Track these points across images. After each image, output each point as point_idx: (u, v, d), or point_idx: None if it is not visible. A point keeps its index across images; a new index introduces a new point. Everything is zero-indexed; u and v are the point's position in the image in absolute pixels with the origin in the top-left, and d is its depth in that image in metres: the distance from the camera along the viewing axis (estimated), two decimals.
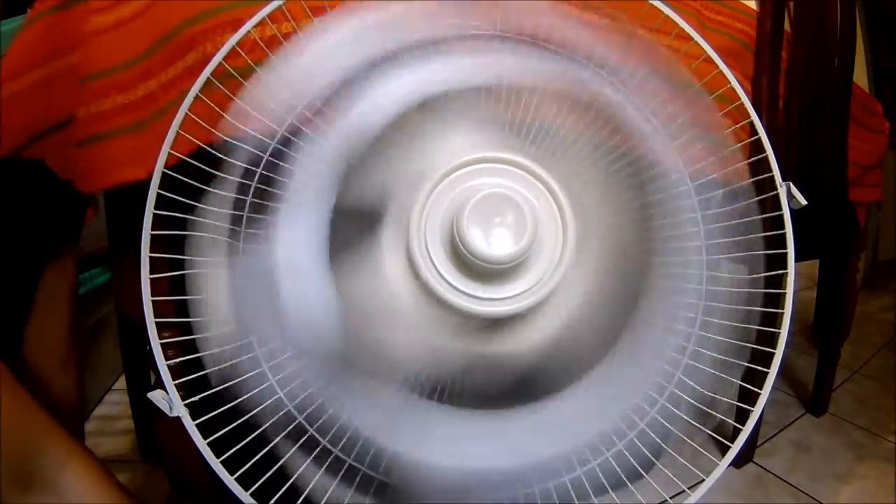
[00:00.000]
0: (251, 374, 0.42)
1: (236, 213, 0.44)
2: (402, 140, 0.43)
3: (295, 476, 0.42)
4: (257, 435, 0.42)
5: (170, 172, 0.43)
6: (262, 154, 0.44)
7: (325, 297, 0.40)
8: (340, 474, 0.43)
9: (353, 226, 0.43)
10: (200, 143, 0.43)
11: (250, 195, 0.44)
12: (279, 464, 0.42)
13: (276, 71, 0.42)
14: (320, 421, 0.43)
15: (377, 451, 0.42)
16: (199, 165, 0.43)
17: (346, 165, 0.41)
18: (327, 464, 0.43)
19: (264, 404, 0.42)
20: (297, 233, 0.40)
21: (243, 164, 0.44)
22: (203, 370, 0.43)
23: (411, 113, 0.41)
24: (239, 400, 0.42)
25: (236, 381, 0.42)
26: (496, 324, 0.44)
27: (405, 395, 0.42)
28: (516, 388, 0.43)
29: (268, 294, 0.40)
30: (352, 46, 0.41)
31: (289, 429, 0.42)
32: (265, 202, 0.44)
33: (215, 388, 0.42)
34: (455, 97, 0.42)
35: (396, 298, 0.43)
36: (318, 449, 0.43)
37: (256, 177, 0.44)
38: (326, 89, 0.41)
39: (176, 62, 0.52)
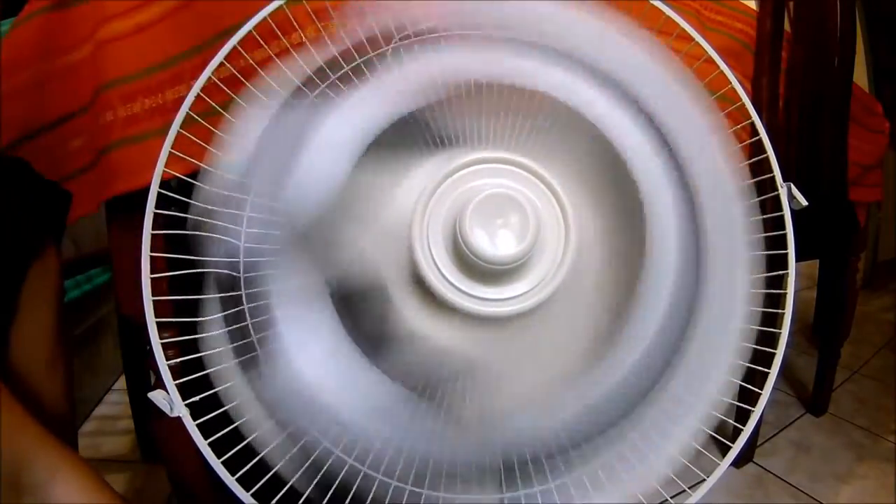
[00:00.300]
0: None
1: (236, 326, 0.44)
2: (367, 197, 0.43)
3: (295, 476, 0.42)
4: (269, 446, 0.41)
5: (170, 172, 0.43)
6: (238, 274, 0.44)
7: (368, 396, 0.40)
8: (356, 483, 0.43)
9: (363, 305, 0.43)
10: (201, 165, 0.43)
11: (243, 233, 0.44)
12: (279, 464, 0.42)
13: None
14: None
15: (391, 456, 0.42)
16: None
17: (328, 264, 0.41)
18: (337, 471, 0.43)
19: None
20: (308, 332, 0.40)
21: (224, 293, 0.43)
22: (203, 370, 0.43)
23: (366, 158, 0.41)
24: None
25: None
26: (499, 324, 0.44)
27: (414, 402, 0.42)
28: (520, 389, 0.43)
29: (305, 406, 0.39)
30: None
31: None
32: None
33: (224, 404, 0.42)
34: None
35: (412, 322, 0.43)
36: (320, 449, 0.43)
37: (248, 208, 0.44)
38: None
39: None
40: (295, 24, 0.46)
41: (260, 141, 0.42)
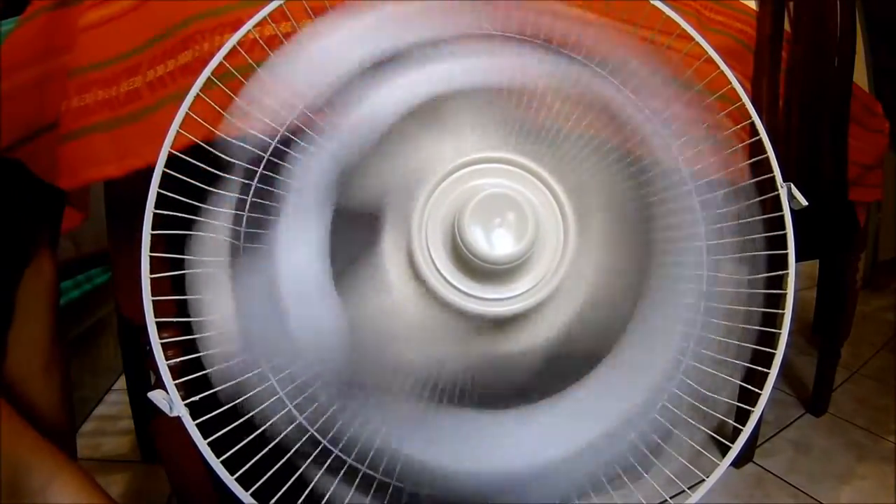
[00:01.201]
0: (259, 388, 0.42)
1: (237, 212, 0.44)
2: (401, 144, 0.43)
3: (295, 476, 0.42)
4: (269, 446, 0.42)
5: (170, 172, 0.43)
6: (262, 154, 0.44)
7: (332, 319, 0.40)
8: (355, 483, 0.43)
9: (354, 235, 0.43)
10: (198, 141, 0.43)
11: (250, 196, 0.44)
12: (279, 463, 0.42)
13: (276, 70, 0.42)
14: (332, 432, 0.43)
15: (391, 457, 0.42)
16: (196, 163, 0.43)
17: (344, 172, 0.41)
18: (342, 472, 0.43)
19: (274, 419, 0.42)
20: (298, 249, 0.40)
21: (243, 164, 0.44)
22: (203, 370, 0.43)
23: (409, 117, 0.41)
24: (249, 415, 0.42)
25: (245, 397, 0.42)
26: (499, 324, 0.44)
27: (415, 402, 0.42)
28: (520, 388, 0.43)
29: (274, 315, 0.39)
30: (353, 46, 0.41)
31: (302, 441, 0.42)
32: (266, 204, 0.44)
33: (226, 403, 0.42)
34: (456, 98, 0.42)
35: (401, 309, 0.43)
36: (320, 449, 0.43)
37: (256, 177, 0.44)
38: (327, 89, 0.41)
39: (167, 60, 0.52)
40: (295, 24, 0.46)
41: None
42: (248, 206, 0.44)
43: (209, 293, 0.43)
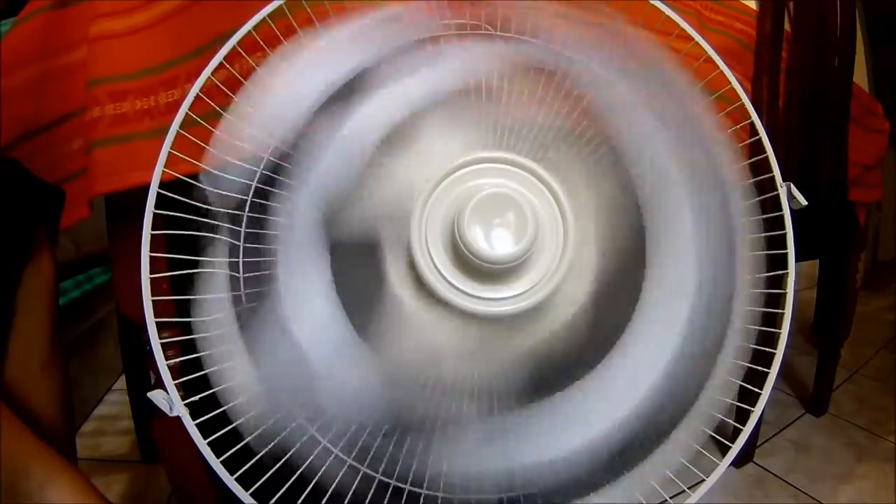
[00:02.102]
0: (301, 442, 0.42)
1: (232, 259, 0.44)
2: (385, 167, 0.43)
3: (295, 476, 0.42)
4: (268, 446, 0.41)
5: (171, 172, 0.43)
6: (249, 183, 0.44)
7: (362, 371, 0.40)
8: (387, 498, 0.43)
9: (357, 268, 0.43)
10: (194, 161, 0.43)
11: (242, 239, 0.44)
12: (279, 463, 0.42)
13: (242, 110, 0.42)
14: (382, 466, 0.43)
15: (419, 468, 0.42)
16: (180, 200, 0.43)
17: (332, 204, 0.41)
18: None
19: (324, 466, 0.42)
20: (309, 300, 0.40)
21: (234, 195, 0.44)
22: (203, 370, 0.43)
23: (392, 136, 0.41)
24: (300, 469, 0.42)
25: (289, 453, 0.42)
26: (498, 323, 0.44)
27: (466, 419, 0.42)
28: (519, 388, 0.43)
29: (302, 377, 0.39)
30: (315, 74, 0.41)
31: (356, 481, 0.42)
32: (260, 247, 0.44)
33: (274, 462, 0.42)
34: (437, 108, 0.42)
35: (426, 335, 0.43)
36: (320, 447, 0.43)
37: (247, 206, 0.44)
38: (299, 120, 0.41)
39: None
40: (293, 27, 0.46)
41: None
42: (241, 251, 0.44)
43: (224, 348, 0.42)
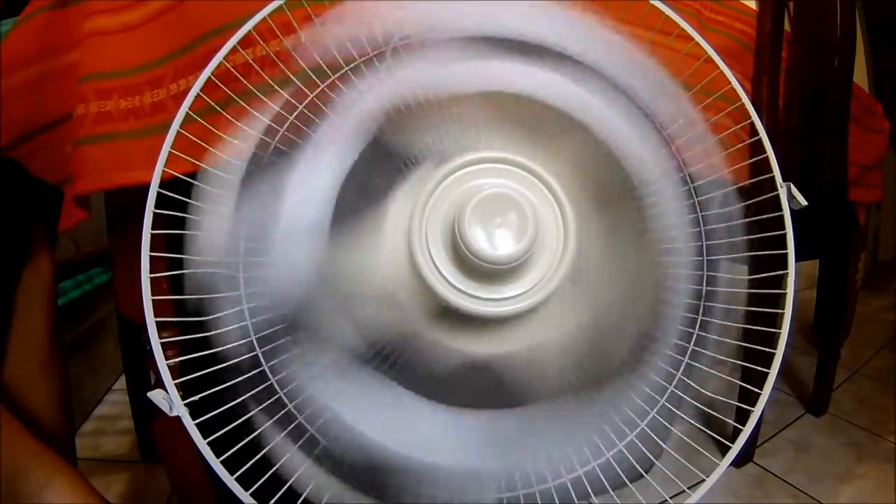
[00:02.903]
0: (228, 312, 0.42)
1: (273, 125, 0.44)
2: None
3: (295, 476, 0.42)
4: (267, 448, 0.42)
5: (171, 171, 0.43)
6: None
7: (315, 253, 0.40)
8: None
9: (368, 185, 0.43)
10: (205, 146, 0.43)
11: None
12: (280, 463, 0.42)
13: None
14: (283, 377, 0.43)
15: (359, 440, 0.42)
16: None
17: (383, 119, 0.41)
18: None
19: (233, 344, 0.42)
20: (315, 179, 0.40)
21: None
22: (203, 370, 0.43)
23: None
24: (211, 334, 0.42)
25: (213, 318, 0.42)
26: (496, 323, 0.44)
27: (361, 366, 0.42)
28: (509, 387, 0.43)
29: (270, 207, 0.39)
30: None
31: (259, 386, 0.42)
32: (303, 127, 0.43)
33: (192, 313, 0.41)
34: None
35: (389, 278, 0.43)
36: (307, 440, 0.43)
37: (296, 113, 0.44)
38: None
39: (188, 75, 0.52)
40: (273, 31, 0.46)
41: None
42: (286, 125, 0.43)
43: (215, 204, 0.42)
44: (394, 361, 0.44)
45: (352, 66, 0.44)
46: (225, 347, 0.43)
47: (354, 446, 0.40)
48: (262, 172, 0.42)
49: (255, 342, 0.43)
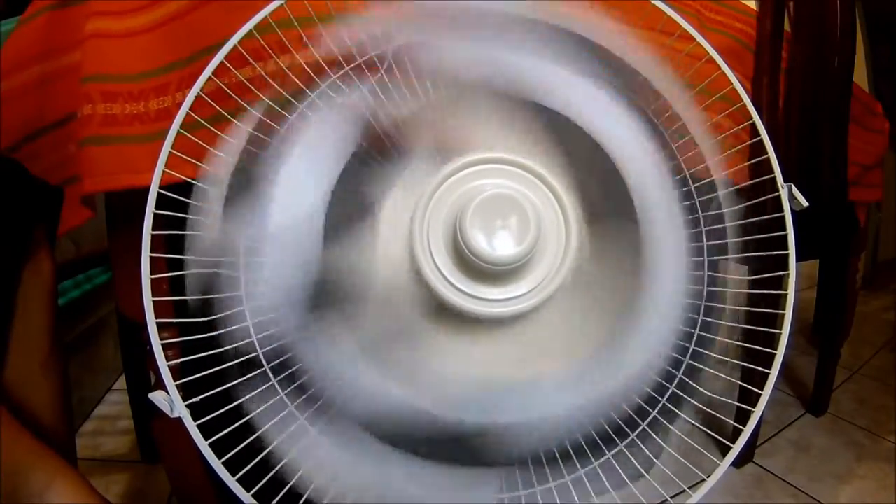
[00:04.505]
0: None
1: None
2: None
3: (296, 477, 0.42)
4: (269, 448, 0.41)
5: (171, 172, 0.43)
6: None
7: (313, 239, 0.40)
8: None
9: (360, 191, 0.43)
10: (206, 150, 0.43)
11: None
12: (281, 464, 0.42)
13: None
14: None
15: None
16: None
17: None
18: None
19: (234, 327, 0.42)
20: (308, 168, 0.40)
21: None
22: (203, 370, 0.43)
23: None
24: (214, 317, 0.42)
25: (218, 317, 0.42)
26: (496, 324, 0.44)
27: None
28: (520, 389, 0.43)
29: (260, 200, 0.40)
30: None
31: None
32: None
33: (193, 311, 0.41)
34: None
35: (387, 278, 0.43)
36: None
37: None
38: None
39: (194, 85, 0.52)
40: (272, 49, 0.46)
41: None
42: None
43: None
44: (394, 361, 0.44)
45: (353, 65, 0.44)
46: (225, 348, 0.43)
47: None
48: (256, 170, 0.42)
49: (256, 343, 0.43)
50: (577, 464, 0.44)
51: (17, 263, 0.51)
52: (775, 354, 0.45)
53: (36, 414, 0.52)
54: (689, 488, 0.43)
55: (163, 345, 0.42)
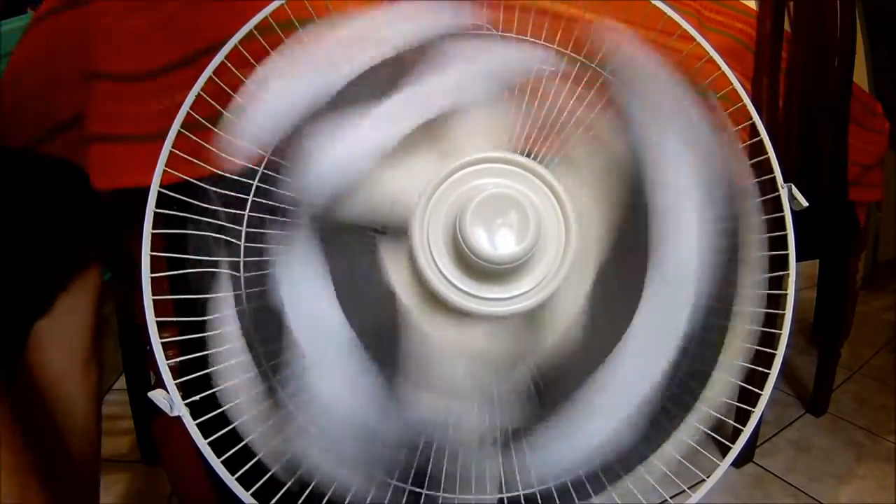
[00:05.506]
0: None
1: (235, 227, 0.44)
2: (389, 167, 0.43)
3: (295, 476, 0.42)
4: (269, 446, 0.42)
5: (171, 171, 0.43)
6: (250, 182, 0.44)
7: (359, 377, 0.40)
8: None
9: (349, 247, 0.43)
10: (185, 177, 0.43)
11: (244, 233, 0.44)
12: (280, 463, 0.42)
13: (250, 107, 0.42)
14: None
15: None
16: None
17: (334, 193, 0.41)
18: None
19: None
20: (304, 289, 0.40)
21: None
22: (203, 370, 0.43)
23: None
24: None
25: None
26: (497, 323, 0.44)
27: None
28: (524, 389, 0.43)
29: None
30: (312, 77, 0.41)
31: None
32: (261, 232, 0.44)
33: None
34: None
35: (410, 318, 0.43)
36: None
37: (248, 206, 0.45)
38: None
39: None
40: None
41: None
42: (242, 250, 0.44)
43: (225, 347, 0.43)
44: (393, 361, 0.44)
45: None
46: (225, 348, 0.43)
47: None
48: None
49: (256, 342, 0.43)
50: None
51: (69, 262, 0.51)
52: (775, 354, 0.45)
53: (72, 410, 0.53)
54: (689, 488, 0.43)
55: (163, 344, 0.42)
